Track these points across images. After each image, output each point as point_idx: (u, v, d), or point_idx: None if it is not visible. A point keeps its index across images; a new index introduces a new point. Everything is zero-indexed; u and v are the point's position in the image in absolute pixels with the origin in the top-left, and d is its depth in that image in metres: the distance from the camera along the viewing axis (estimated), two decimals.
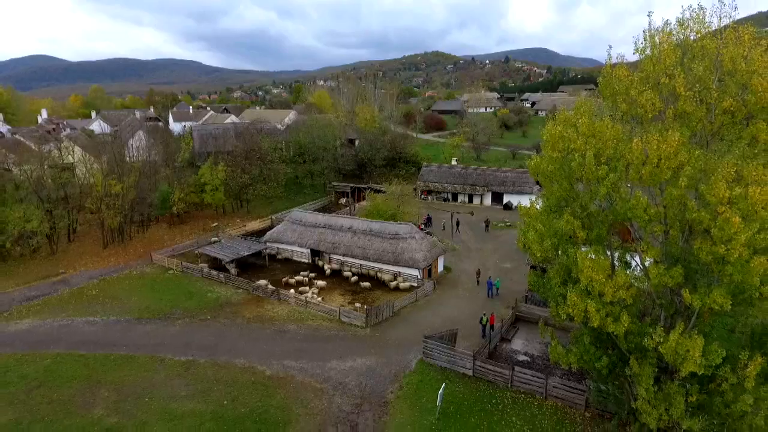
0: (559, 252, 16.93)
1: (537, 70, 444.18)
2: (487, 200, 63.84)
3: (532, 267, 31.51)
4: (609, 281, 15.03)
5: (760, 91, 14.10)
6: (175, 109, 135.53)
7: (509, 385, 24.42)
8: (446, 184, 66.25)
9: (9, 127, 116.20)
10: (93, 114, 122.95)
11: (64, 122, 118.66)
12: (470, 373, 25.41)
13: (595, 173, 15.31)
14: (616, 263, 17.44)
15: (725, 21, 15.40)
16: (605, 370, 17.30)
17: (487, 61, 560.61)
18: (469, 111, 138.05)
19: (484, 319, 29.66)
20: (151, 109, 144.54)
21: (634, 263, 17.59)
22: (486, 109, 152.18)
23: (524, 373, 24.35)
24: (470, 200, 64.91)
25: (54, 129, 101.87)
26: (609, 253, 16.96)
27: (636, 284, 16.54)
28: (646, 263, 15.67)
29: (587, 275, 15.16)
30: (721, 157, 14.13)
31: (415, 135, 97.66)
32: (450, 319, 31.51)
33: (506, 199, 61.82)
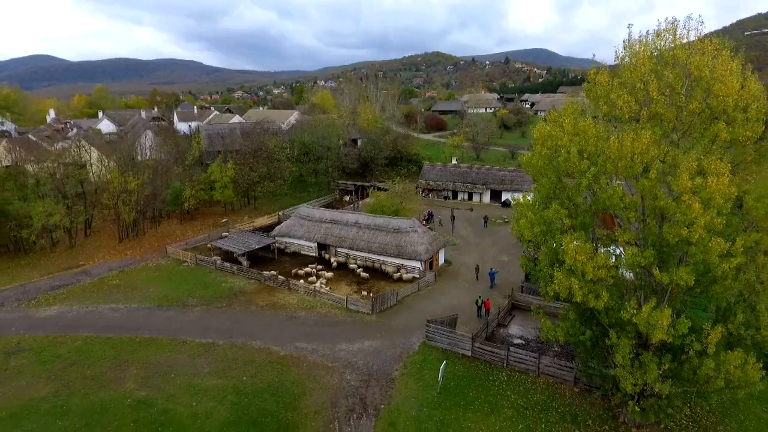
0: (548, 237, 19.04)
1: (537, 71, 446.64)
2: (486, 198, 66.01)
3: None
4: (590, 261, 17.13)
5: (720, 96, 16.23)
6: (179, 109, 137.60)
7: (505, 365, 26.50)
8: (447, 183, 68.42)
9: (16, 126, 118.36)
10: (100, 114, 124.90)
11: (71, 122, 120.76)
12: (469, 353, 27.50)
13: (579, 167, 17.44)
14: (601, 250, 19.56)
15: (693, 34, 17.52)
16: (589, 342, 19.44)
17: (488, 62, 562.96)
18: (469, 111, 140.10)
19: (479, 301, 32.50)
20: (155, 109, 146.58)
21: (619, 251, 19.70)
22: (486, 110, 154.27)
23: (519, 353, 26.48)
24: (470, 198, 67.08)
25: (62, 128, 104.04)
26: (592, 237, 19.08)
27: (620, 268, 18.73)
28: (624, 246, 17.77)
29: (571, 256, 17.27)
30: (686, 152, 16.24)
31: (416, 135, 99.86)
32: (450, 307, 33.58)
33: (504, 196, 63.93)
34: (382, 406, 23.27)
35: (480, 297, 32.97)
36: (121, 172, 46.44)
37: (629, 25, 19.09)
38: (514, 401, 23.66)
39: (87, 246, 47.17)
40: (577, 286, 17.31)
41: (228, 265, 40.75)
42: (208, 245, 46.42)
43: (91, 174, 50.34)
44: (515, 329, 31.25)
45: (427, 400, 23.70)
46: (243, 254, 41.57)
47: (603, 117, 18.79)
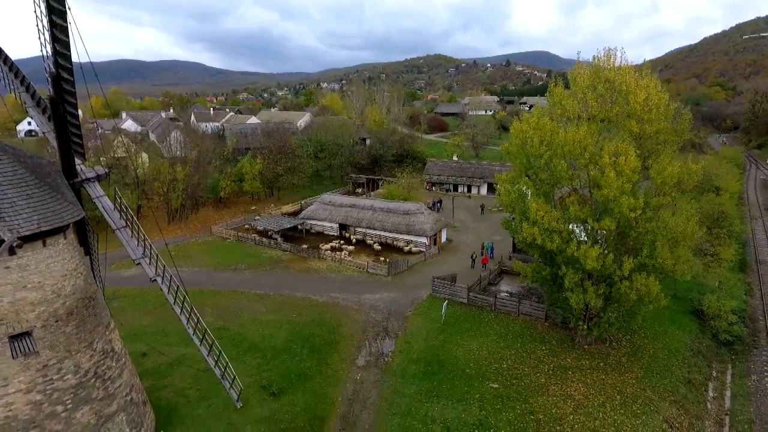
0: (519, 202, 26.96)
1: (538, 74, 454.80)
2: (484, 190, 74.01)
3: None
4: (547, 215, 25.00)
5: (632, 103, 24.15)
6: (195, 110, 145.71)
7: (493, 308, 34.35)
8: (449, 177, 76.48)
9: None
10: (123, 114, 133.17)
11: (96, 122, 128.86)
12: (465, 301, 35.35)
13: (539, 151, 25.35)
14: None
15: (618, 60, 25.48)
16: (549, 277, 27.32)
17: (489, 65, 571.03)
18: (470, 114, 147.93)
19: (474, 256, 42.24)
20: (171, 110, 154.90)
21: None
22: (486, 112, 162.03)
23: (504, 299, 34.40)
24: (469, 190, 75.09)
25: (91, 128, 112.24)
26: (552, 202, 27.00)
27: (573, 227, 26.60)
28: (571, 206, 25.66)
29: (534, 212, 25.16)
30: (609, 140, 24.14)
31: (420, 135, 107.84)
32: (451, 272, 41.37)
33: None
34: (400, 333, 31.19)
35: (474, 253, 42.64)
36: (170, 164, 54.45)
37: (578, 53, 27.19)
38: (499, 330, 31.48)
39: (141, 226, 55.05)
40: (538, 233, 25.20)
41: (265, 240, 48.73)
42: (245, 226, 54.40)
43: (141, 166, 58.35)
44: (503, 286, 39.15)
45: (433, 329, 31.57)
46: (278, 231, 49.54)
47: (558, 116, 26.70)
